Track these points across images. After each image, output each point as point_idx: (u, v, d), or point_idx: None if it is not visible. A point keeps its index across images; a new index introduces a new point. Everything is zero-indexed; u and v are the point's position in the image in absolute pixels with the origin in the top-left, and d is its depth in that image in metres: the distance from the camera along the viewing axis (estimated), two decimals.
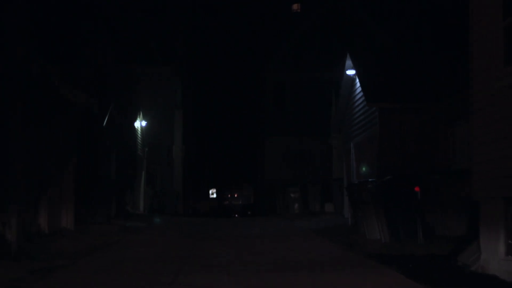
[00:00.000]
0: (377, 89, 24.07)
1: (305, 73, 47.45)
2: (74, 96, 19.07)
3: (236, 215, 55.74)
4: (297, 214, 37.05)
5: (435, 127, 22.04)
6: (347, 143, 28.94)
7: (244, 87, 53.46)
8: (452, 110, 20.54)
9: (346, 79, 27.65)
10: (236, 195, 65.96)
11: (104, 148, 26.26)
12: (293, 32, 48.64)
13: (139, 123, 35.04)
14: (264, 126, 48.89)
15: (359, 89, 25.79)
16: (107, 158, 27.52)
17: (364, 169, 25.82)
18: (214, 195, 69.32)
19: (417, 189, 14.89)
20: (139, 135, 35.22)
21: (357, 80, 26.14)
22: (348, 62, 26.66)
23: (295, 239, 19.81)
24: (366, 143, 25.58)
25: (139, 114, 34.85)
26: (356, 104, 26.63)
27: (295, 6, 50.67)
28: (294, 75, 47.90)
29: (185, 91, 46.65)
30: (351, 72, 26.60)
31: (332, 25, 46.67)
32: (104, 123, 25.80)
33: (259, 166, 51.97)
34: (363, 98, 25.20)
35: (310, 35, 47.87)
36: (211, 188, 67.97)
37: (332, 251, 16.03)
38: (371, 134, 24.47)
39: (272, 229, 24.65)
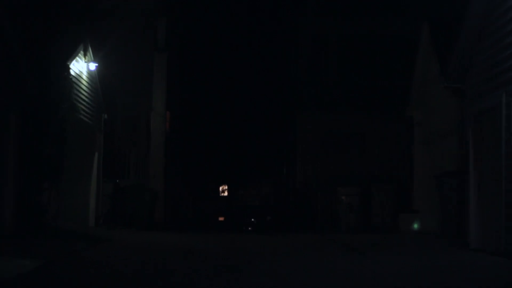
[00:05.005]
0: None
1: (362, 25, 32.54)
2: None
3: (253, 219, 43.07)
4: (356, 231, 22.89)
5: None
6: (487, 98, 13.94)
7: (268, 39, 37.58)
8: None
9: None
10: (252, 194, 53.16)
11: None
12: None
13: (85, 65, 19.55)
14: (296, 97, 33.73)
15: None
16: None
17: None
18: (226, 193, 54.60)
19: None
20: (85, 88, 19.76)
21: None
22: None
23: None
24: None
25: (86, 50, 19.27)
26: None
27: None
28: (343, 27, 32.94)
29: (175, 31, 30.47)
30: None
31: None
32: None
33: (287, 154, 36.60)
34: None
35: None
36: (220, 184, 53.08)
37: None
38: None
39: None
